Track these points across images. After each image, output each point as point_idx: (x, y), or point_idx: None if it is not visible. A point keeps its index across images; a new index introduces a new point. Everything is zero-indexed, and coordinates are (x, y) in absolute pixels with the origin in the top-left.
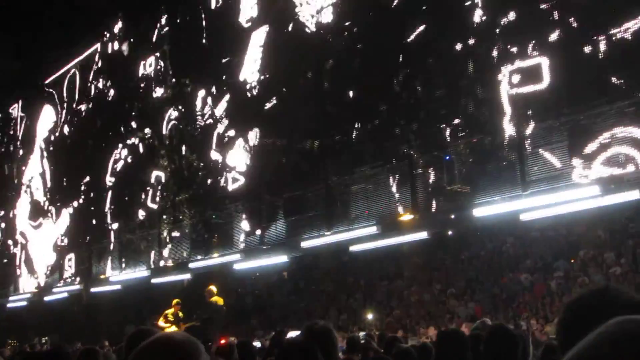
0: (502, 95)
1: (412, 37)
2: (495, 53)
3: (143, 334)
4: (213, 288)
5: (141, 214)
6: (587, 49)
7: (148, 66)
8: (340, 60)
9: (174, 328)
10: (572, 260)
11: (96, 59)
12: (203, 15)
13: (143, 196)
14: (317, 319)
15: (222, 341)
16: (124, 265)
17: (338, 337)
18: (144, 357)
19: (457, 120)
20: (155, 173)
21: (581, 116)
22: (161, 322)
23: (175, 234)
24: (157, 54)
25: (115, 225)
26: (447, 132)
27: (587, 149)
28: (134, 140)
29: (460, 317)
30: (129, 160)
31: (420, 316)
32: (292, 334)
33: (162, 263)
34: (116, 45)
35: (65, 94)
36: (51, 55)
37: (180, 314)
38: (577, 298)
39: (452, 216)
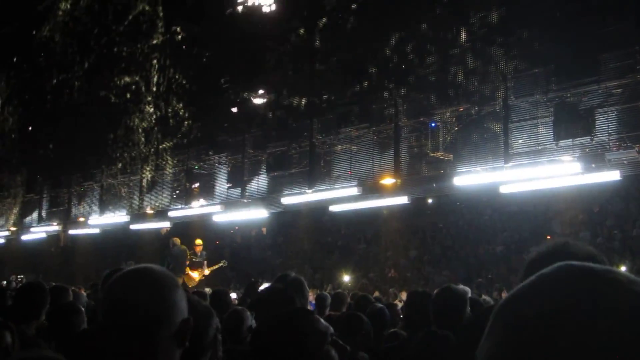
0: (492, 66)
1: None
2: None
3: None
4: (176, 239)
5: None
6: (582, 29)
7: (139, 11)
8: (333, 19)
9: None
10: (548, 237)
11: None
12: None
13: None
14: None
15: None
16: (104, 210)
17: (309, 292)
18: (120, 284)
19: (445, 88)
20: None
21: (568, 93)
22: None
23: (157, 181)
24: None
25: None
26: (435, 99)
27: (572, 127)
28: (121, 84)
29: (435, 284)
30: (115, 103)
31: (395, 280)
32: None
33: (142, 210)
34: None
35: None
36: None
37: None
38: (537, 254)
39: (438, 183)
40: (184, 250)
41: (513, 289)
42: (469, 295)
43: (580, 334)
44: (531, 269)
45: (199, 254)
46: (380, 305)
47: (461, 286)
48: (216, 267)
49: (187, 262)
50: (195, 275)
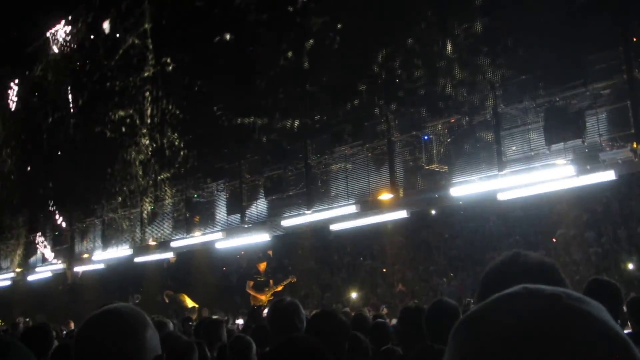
0: (479, 76)
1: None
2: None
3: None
4: (168, 292)
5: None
6: (566, 32)
7: (129, 45)
8: (320, 39)
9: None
10: (554, 240)
11: (73, 36)
12: None
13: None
14: (301, 296)
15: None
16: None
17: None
18: (89, 329)
19: (435, 101)
20: (137, 152)
21: (557, 97)
22: (250, 289)
23: (158, 212)
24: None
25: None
26: (425, 112)
27: (563, 130)
28: (115, 118)
29: (444, 295)
30: (111, 138)
31: (404, 294)
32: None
33: (144, 242)
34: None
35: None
36: (26, 28)
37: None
38: (489, 269)
39: (436, 195)
40: (181, 299)
41: (470, 310)
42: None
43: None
44: (486, 282)
45: (262, 272)
46: (381, 320)
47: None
48: (286, 282)
49: (188, 305)
50: (262, 296)
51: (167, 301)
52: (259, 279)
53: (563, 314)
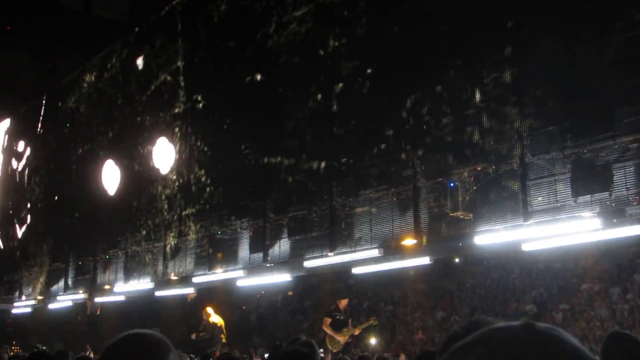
0: (507, 125)
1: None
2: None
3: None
4: (209, 309)
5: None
6: (594, 85)
7: (161, 81)
8: (349, 83)
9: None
10: (579, 294)
11: (108, 71)
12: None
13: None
14: (320, 339)
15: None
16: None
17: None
18: (111, 353)
19: (462, 148)
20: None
21: (584, 149)
22: (327, 327)
23: (180, 248)
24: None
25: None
26: (452, 159)
27: (590, 182)
28: (144, 152)
29: None
30: (138, 171)
31: (423, 343)
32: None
33: (166, 276)
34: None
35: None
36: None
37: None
38: (447, 337)
39: (459, 243)
40: (220, 327)
41: (460, 342)
42: None
43: None
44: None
45: (342, 310)
46: None
47: None
48: (366, 324)
49: (223, 338)
50: (340, 337)
51: (203, 317)
52: (337, 317)
53: (535, 339)
